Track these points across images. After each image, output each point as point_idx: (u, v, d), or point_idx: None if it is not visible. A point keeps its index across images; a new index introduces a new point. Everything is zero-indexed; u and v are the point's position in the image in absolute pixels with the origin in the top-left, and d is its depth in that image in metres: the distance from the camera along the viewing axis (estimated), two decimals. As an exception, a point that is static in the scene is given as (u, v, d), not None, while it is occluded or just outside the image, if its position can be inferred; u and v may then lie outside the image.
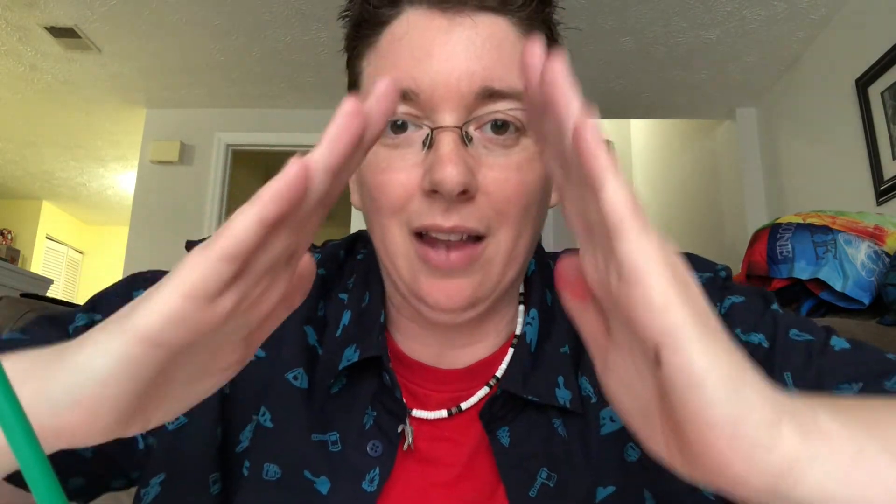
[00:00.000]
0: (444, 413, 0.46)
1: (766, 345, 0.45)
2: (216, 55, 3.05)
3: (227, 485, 0.44)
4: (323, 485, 0.43)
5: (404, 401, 0.45)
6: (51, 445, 0.25)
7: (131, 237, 3.59)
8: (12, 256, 5.14)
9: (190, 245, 0.49)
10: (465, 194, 0.40)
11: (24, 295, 1.07)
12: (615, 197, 0.22)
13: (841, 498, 0.22)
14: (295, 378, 0.47)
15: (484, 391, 0.47)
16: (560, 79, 0.24)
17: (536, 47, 0.26)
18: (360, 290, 0.51)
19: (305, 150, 0.24)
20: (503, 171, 0.41)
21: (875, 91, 2.32)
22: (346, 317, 0.49)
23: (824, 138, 2.70)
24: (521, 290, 0.51)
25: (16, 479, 0.33)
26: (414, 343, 0.49)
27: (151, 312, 0.23)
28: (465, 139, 0.41)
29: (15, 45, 2.96)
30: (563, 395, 0.45)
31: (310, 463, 0.44)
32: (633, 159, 4.83)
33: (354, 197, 0.50)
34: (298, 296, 0.30)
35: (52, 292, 3.84)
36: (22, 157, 4.62)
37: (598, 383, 0.46)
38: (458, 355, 0.48)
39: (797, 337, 0.44)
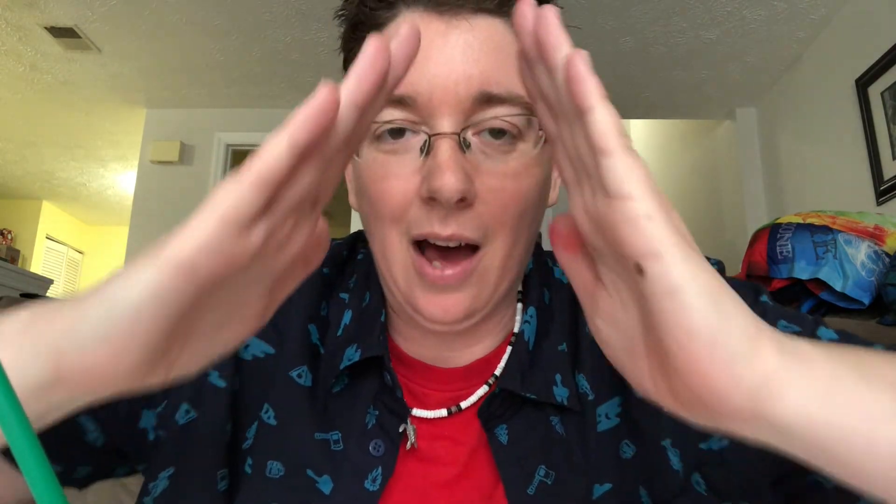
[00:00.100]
0: (443, 412, 0.46)
1: None
2: (216, 55, 3.05)
3: (234, 481, 0.45)
4: (325, 484, 0.43)
5: (405, 400, 0.46)
6: (72, 393, 0.25)
7: (131, 237, 3.59)
8: (12, 256, 5.14)
9: None
10: (463, 202, 0.39)
11: (23, 295, 1.07)
12: (602, 118, 0.24)
13: (820, 419, 0.23)
14: (299, 376, 0.47)
15: (483, 390, 0.47)
16: (551, 22, 0.25)
17: (527, 5, 0.27)
18: (361, 289, 0.51)
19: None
20: (500, 178, 0.41)
21: (875, 91, 2.32)
22: (347, 316, 0.49)
23: (824, 138, 2.70)
24: (520, 287, 0.51)
25: (11, 457, 0.34)
26: (413, 344, 0.49)
27: (187, 239, 0.23)
28: (463, 145, 0.40)
29: (15, 45, 2.96)
30: (561, 393, 0.45)
31: (312, 462, 0.44)
32: (633, 159, 4.83)
33: (352, 197, 0.50)
34: (317, 255, 0.31)
35: (52, 292, 3.84)
36: (22, 157, 4.63)
37: (595, 380, 0.46)
38: (457, 355, 0.48)
39: (785, 328, 0.44)
